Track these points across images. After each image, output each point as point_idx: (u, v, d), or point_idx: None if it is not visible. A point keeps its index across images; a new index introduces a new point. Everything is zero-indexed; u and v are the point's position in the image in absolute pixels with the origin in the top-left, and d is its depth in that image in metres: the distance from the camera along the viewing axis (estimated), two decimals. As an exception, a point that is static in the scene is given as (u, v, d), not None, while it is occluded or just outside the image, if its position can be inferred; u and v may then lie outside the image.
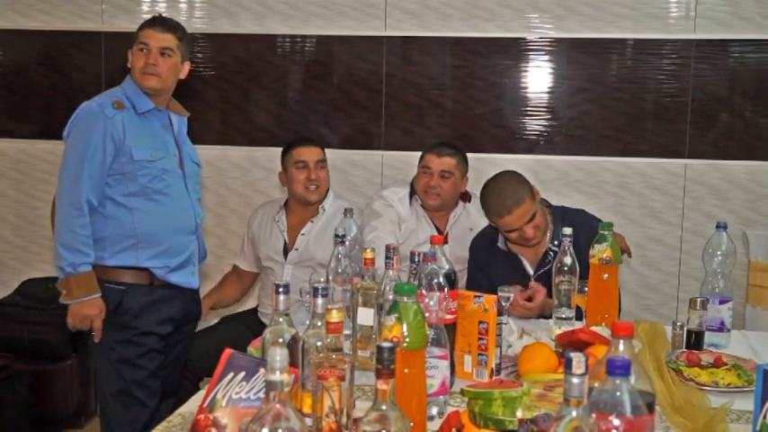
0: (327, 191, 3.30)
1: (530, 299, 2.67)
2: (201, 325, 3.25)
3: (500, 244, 2.87)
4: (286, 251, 3.25)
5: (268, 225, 3.32)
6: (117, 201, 2.57)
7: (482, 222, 3.20)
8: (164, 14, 3.83)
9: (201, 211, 2.80)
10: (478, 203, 3.31)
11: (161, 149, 2.63)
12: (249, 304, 3.68)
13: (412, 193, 3.27)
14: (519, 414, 1.59)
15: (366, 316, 2.09)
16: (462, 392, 1.70)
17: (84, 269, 2.53)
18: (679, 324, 2.36)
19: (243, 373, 1.54)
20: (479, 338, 2.04)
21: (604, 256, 2.34)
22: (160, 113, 2.67)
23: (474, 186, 3.64)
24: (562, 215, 2.85)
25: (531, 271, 2.82)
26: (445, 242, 3.16)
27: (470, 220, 3.28)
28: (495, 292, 2.68)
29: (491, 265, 2.88)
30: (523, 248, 2.84)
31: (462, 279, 3.02)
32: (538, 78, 3.79)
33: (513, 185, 2.75)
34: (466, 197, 3.34)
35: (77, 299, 2.54)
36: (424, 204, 3.24)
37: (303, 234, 3.24)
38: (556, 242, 2.74)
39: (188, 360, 3.00)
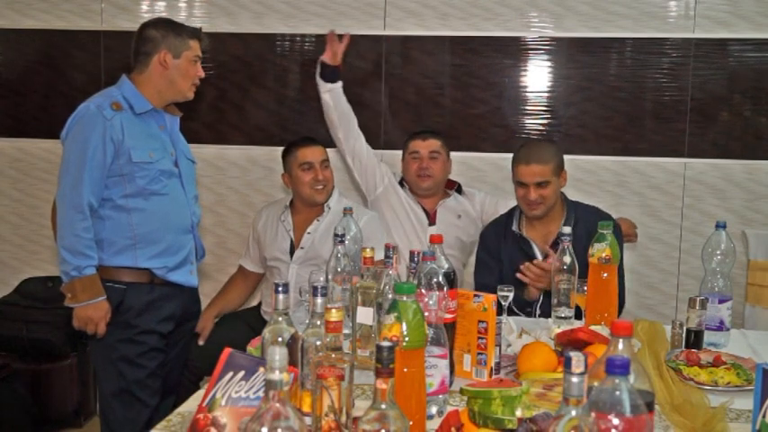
0: (333, 189, 3.32)
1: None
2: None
3: (514, 227, 2.98)
4: (293, 250, 3.25)
5: (273, 225, 3.31)
6: (115, 202, 2.57)
7: (470, 209, 3.43)
8: (163, 13, 3.86)
9: (198, 209, 2.80)
10: (470, 192, 3.52)
11: (159, 150, 2.63)
12: (250, 303, 3.67)
13: (401, 185, 3.47)
14: (518, 413, 1.59)
15: (365, 315, 2.10)
16: (461, 391, 1.70)
17: (89, 272, 2.53)
18: (678, 323, 2.36)
19: (242, 373, 1.54)
20: (479, 337, 2.04)
21: (604, 255, 2.34)
22: (157, 114, 2.67)
23: (476, 186, 3.65)
24: (575, 206, 2.98)
25: (539, 256, 2.88)
26: (432, 223, 3.38)
27: (459, 205, 3.45)
28: (505, 278, 2.75)
29: (501, 250, 2.98)
30: (533, 232, 2.95)
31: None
32: (537, 77, 3.78)
33: (549, 149, 2.96)
34: (454, 186, 3.50)
35: (83, 302, 2.54)
36: (415, 189, 3.42)
37: (309, 233, 3.23)
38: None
39: (189, 359, 3.00)
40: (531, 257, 2.87)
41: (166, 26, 2.66)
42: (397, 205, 3.41)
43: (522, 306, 2.80)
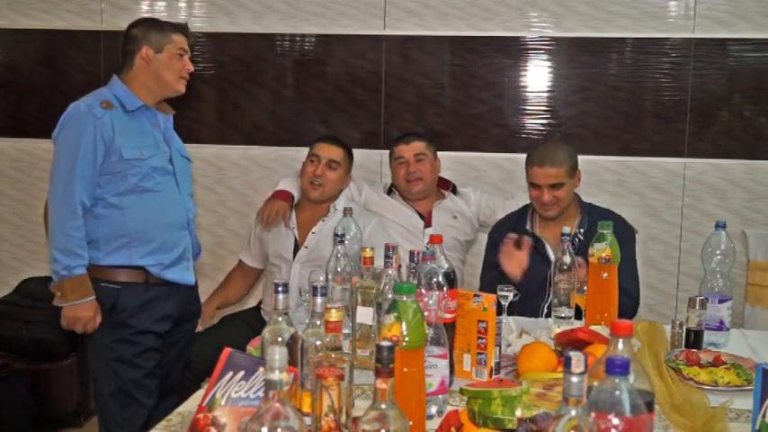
0: (339, 192, 3.31)
1: (518, 246, 2.80)
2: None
3: (527, 225, 2.97)
4: (296, 249, 3.24)
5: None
6: (108, 201, 2.57)
7: (465, 209, 3.42)
8: (163, 13, 3.86)
9: (194, 206, 2.79)
10: (464, 192, 3.50)
11: (151, 147, 2.62)
12: (250, 303, 3.67)
13: (390, 191, 3.46)
14: (518, 413, 1.59)
15: (365, 315, 2.10)
16: (461, 391, 1.70)
17: (79, 271, 2.52)
18: (678, 323, 2.36)
19: (242, 372, 1.54)
20: (479, 337, 2.04)
21: (604, 254, 2.34)
22: (149, 111, 2.67)
23: (475, 185, 3.65)
24: (589, 208, 2.97)
25: (552, 256, 2.86)
26: (428, 226, 3.36)
27: (454, 205, 3.43)
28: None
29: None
30: (547, 231, 2.93)
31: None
32: (537, 77, 3.78)
33: (563, 151, 2.93)
34: (448, 186, 3.49)
35: (72, 302, 2.53)
36: (406, 194, 3.40)
37: (314, 233, 3.22)
38: (582, 230, 2.88)
39: (190, 360, 2.99)
40: (545, 257, 2.86)
41: (148, 24, 2.70)
42: (382, 213, 3.38)
43: (524, 309, 2.79)
